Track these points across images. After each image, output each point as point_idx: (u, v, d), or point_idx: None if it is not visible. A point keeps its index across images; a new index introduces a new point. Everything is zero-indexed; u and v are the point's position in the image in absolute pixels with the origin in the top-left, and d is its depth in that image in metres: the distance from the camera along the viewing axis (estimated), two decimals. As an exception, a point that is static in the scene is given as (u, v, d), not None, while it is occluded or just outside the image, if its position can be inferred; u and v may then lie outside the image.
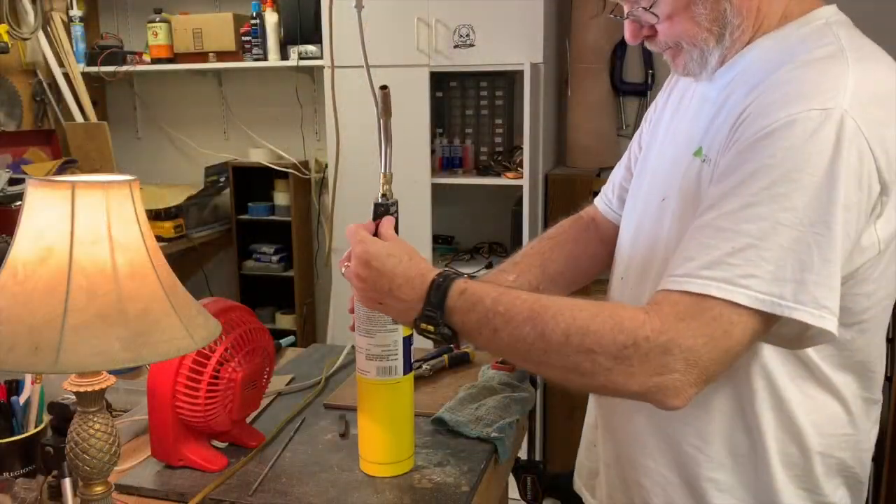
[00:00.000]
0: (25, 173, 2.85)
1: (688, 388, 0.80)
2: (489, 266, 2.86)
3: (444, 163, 2.97)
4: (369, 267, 0.91)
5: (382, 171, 1.02)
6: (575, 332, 0.81)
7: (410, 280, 0.90)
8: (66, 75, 3.25)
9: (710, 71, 0.96)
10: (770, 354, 0.89)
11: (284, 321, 3.37)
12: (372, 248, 0.92)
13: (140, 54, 3.33)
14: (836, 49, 0.84)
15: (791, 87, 0.82)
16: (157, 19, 3.21)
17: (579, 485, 1.20)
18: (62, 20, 3.26)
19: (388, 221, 0.99)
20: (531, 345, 0.84)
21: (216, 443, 1.15)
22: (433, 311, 0.88)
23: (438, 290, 0.88)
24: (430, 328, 0.88)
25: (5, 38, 2.93)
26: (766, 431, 0.91)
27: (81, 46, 3.33)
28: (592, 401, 1.16)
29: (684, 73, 0.99)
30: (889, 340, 2.00)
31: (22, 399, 1.07)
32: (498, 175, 2.81)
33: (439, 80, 2.91)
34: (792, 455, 0.92)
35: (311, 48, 3.03)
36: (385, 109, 1.01)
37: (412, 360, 1.08)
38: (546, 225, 2.85)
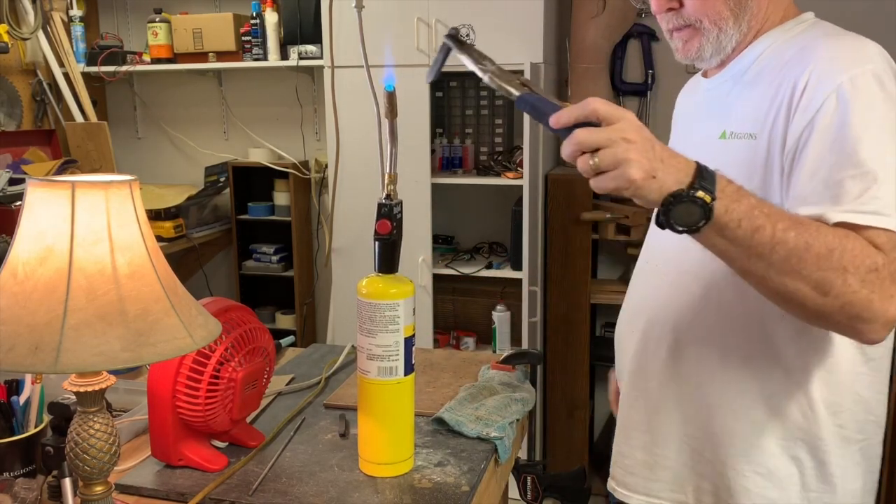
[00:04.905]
0: (25, 173, 2.85)
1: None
2: (489, 266, 2.86)
3: (444, 163, 2.97)
4: (644, 129, 0.85)
5: (388, 171, 1.02)
6: (837, 247, 0.86)
7: (675, 153, 0.87)
8: (66, 75, 3.25)
9: (722, 56, 1.07)
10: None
11: (284, 321, 3.36)
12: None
13: (140, 54, 3.33)
14: (842, 30, 1.02)
15: (840, 56, 0.96)
16: (157, 19, 3.21)
17: (622, 488, 1.20)
18: (62, 20, 3.26)
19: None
20: (791, 250, 0.86)
21: (216, 443, 1.15)
22: (709, 184, 0.84)
23: (707, 170, 0.86)
24: (707, 198, 0.83)
25: (5, 38, 2.93)
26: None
27: (81, 46, 3.33)
28: (644, 399, 1.17)
29: (695, 57, 1.07)
30: None
31: (22, 399, 1.07)
32: (498, 175, 2.81)
33: (439, 80, 2.91)
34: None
35: (311, 48, 3.03)
36: (391, 110, 1.01)
37: (413, 361, 1.08)
38: (546, 225, 2.86)
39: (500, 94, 3.06)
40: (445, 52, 0.96)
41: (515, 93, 0.90)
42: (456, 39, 0.94)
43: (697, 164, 0.86)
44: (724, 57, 1.07)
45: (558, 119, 0.85)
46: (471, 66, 0.93)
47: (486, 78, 0.92)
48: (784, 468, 1.04)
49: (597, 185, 0.85)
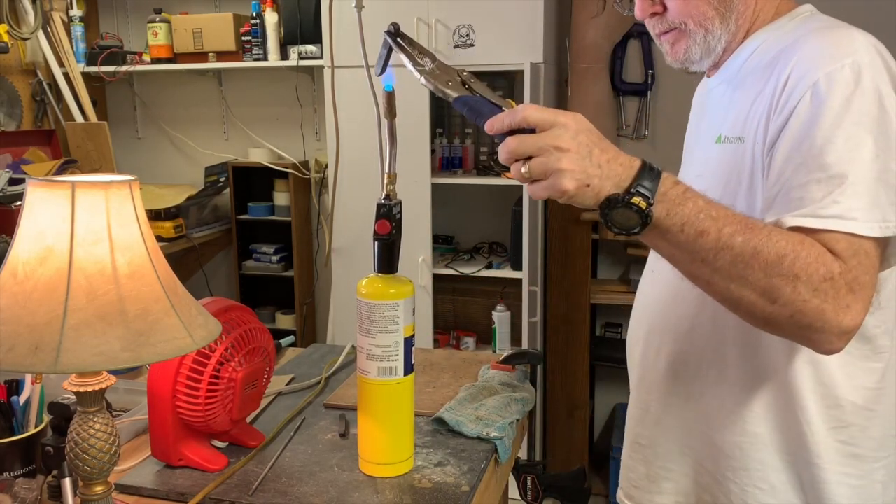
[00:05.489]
0: (25, 173, 2.85)
1: (854, 330, 0.85)
2: (489, 266, 2.86)
3: (444, 163, 2.97)
4: (591, 132, 0.83)
5: (387, 171, 1.02)
6: (788, 254, 0.82)
7: (619, 154, 0.84)
8: (66, 75, 3.25)
9: (713, 58, 1.04)
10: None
11: (284, 321, 3.37)
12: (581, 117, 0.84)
13: (140, 54, 3.33)
14: (834, 23, 0.98)
15: (820, 51, 0.92)
16: (157, 19, 3.21)
17: (628, 500, 1.20)
18: (62, 20, 3.26)
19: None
20: (736, 256, 0.83)
21: (216, 443, 1.15)
22: (647, 190, 0.82)
23: (652, 171, 0.83)
24: (643, 204, 0.81)
25: (5, 38, 2.93)
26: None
27: (81, 46, 3.33)
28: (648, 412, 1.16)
29: (684, 59, 1.05)
30: None
31: (22, 399, 1.07)
32: (498, 175, 2.81)
33: (439, 80, 2.90)
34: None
35: (311, 48, 3.03)
36: (390, 110, 1.01)
37: (413, 361, 1.08)
38: (546, 225, 2.86)
39: (499, 94, 3.06)
40: (387, 48, 0.93)
41: (452, 94, 0.89)
42: (395, 37, 0.92)
43: (642, 165, 0.83)
44: (715, 58, 1.04)
45: (491, 126, 0.85)
46: (408, 65, 0.91)
47: (422, 79, 0.90)
48: (788, 483, 1.01)
49: (531, 192, 0.83)
